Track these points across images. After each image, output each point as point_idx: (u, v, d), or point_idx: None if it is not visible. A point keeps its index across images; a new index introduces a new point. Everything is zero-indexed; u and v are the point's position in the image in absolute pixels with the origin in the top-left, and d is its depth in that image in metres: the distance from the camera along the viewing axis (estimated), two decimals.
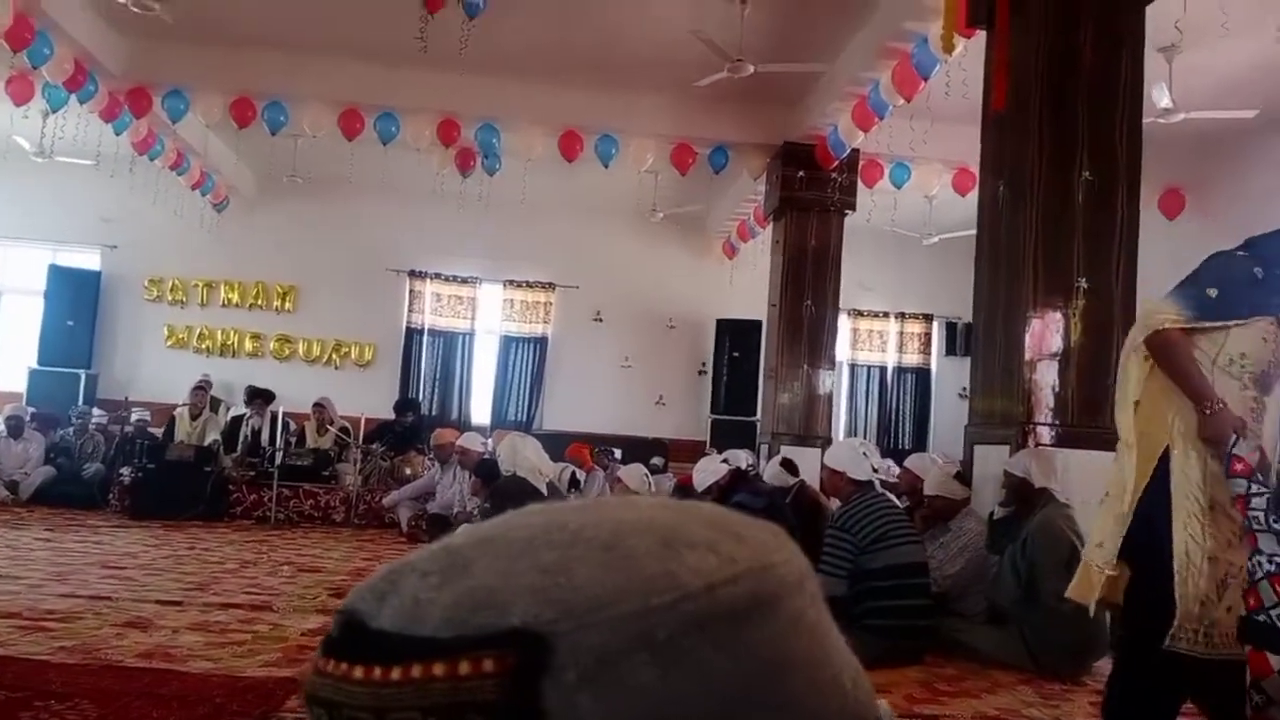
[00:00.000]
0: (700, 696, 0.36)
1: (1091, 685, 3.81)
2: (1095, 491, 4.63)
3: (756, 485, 5.89)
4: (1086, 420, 4.70)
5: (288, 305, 12.23)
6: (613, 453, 9.35)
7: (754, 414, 11.27)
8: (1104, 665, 4.09)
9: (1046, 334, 4.72)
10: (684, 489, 6.48)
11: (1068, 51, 4.79)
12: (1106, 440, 4.70)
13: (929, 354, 13.12)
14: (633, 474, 5.94)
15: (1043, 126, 4.76)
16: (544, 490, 4.56)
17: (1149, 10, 4.97)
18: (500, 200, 10.60)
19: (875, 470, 4.26)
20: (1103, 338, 4.73)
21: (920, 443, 12.57)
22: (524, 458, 4.51)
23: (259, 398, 9.33)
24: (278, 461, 8.40)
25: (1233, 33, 5.95)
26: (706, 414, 12.23)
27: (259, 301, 12.18)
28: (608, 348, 12.51)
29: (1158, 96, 7.07)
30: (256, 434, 9.10)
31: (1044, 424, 4.69)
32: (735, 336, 11.99)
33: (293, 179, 10.58)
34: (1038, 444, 4.61)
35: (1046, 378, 4.72)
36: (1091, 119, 4.77)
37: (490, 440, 8.25)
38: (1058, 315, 4.72)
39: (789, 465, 6.14)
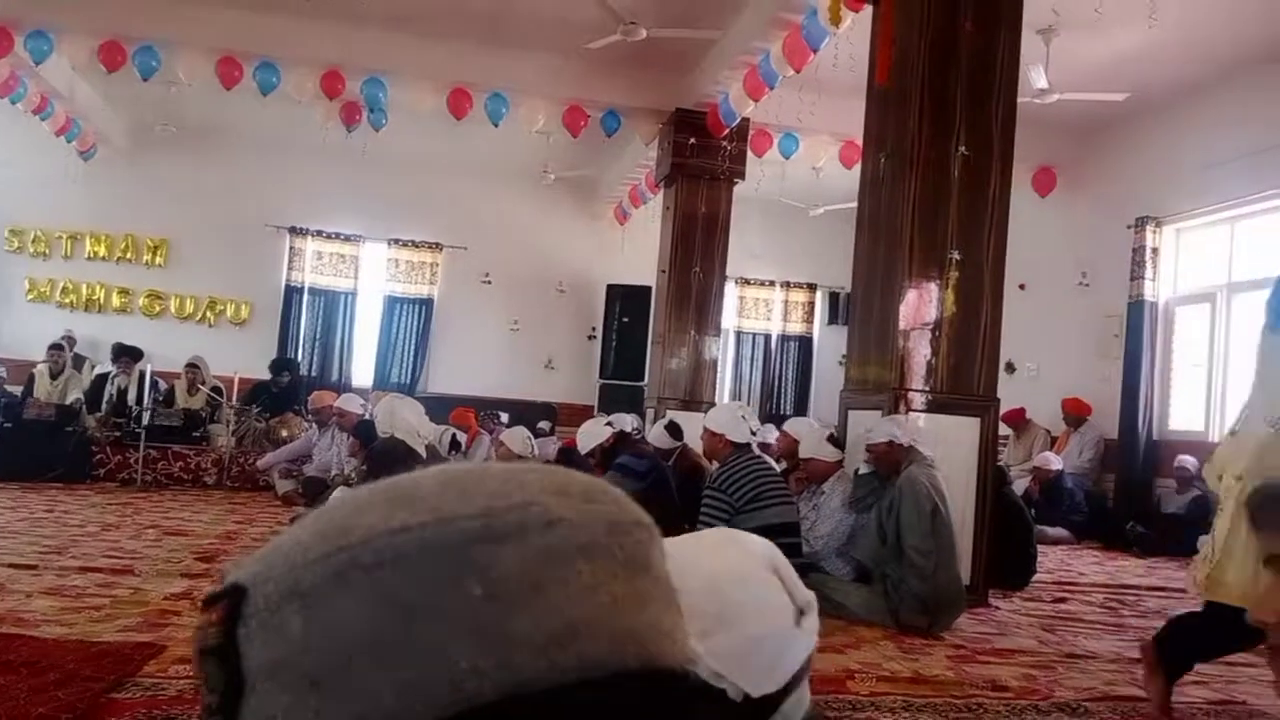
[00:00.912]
0: (330, 644, 0.38)
1: (950, 640, 3.98)
2: (962, 454, 4.85)
3: (640, 448, 5.95)
4: (955, 387, 4.88)
5: (159, 260, 11.69)
6: (499, 416, 9.29)
7: (643, 379, 11.33)
8: (963, 621, 4.29)
9: (920, 304, 4.87)
10: (568, 452, 6.50)
11: (949, 29, 4.90)
12: (972, 407, 4.92)
13: (812, 323, 13.40)
14: (515, 437, 5.92)
15: (923, 102, 4.87)
16: (422, 453, 4.49)
17: None
18: (386, 157, 10.33)
19: (753, 433, 4.34)
20: (972, 308, 4.91)
21: (802, 408, 12.87)
22: (402, 419, 4.44)
23: (126, 355, 8.93)
24: (145, 422, 8.07)
25: (1106, 19, 6.18)
26: (596, 378, 12.24)
27: (128, 255, 11.61)
28: (496, 310, 12.37)
29: (1035, 77, 7.32)
30: (123, 393, 8.72)
31: (915, 390, 4.84)
32: (626, 302, 12.01)
33: (166, 128, 10.10)
34: (908, 410, 4.77)
35: (919, 346, 4.87)
36: (969, 96, 4.90)
37: (370, 402, 8.10)
38: (931, 286, 4.87)
39: (673, 429, 6.21)
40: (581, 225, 12.71)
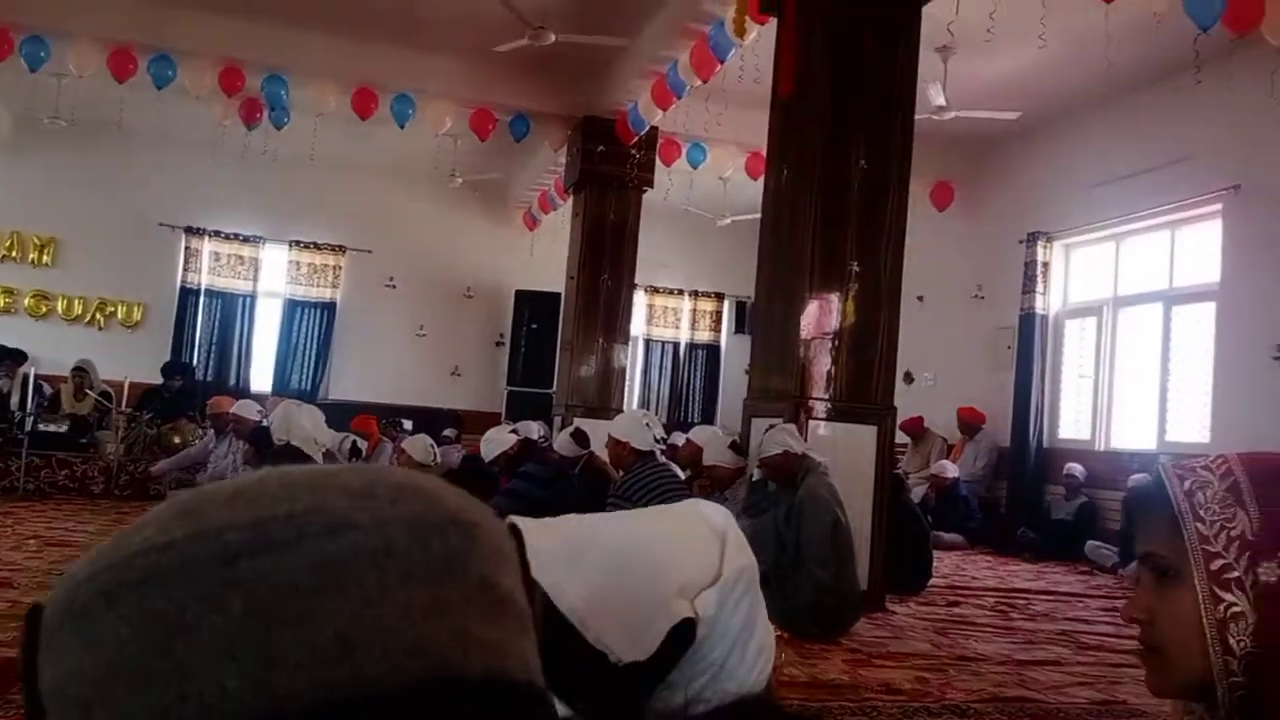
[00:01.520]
0: (97, 666, 0.37)
1: (847, 644, 4.05)
2: (860, 462, 4.94)
3: (546, 455, 5.92)
4: (854, 396, 4.98)
5: (45, 259, 11.16)
6: (402, 424, 9.14)
7: (551, 386, 11.28)
8: (860, 626, 4.37)
9: (821, 315, 4.95)
10: (472, 459, 6.43)
11: (850, 46, 5.01)
12: (870, 415, 5.02)
13: (720, 331, 13.53)
14: (416, 445, 5.82)
15: (825, 115, 4.97)
16: (319, 460, 4.39)
17: (926, 11, 5.28)
18: (288, 156, 10.07)
19: (658, 441, 4.36)
20: (871, 319, 5.02)
21: (709, 416, 12.98)
22: (299, 426, 4.33)
23: (8, 358, 8.54)
24: (28, 428, 7.70)
25: (1000, 39, 6.39)
26: (503, 385, 12.14)
27: (13, 253, 11.05)
28: (401, 315, 12.16)
29: (933, 94, 7.53)
30: (5, 397, 8.32)
31: (815, 399, 4.92)
32: (535, 308, 11.95)
33: (55, 121, 9.64)
34: (809, 418, 4.85)
35: (819, 356, 4.95)
36: (870, 111, 5.02)
37: (267, 408, 7.87)
38: (832, 297, 4.96)
39: (579, 436, 6.19)
40: (490, 230, 12.59)
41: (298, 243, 11.93)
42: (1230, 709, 0.95)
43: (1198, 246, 8.02)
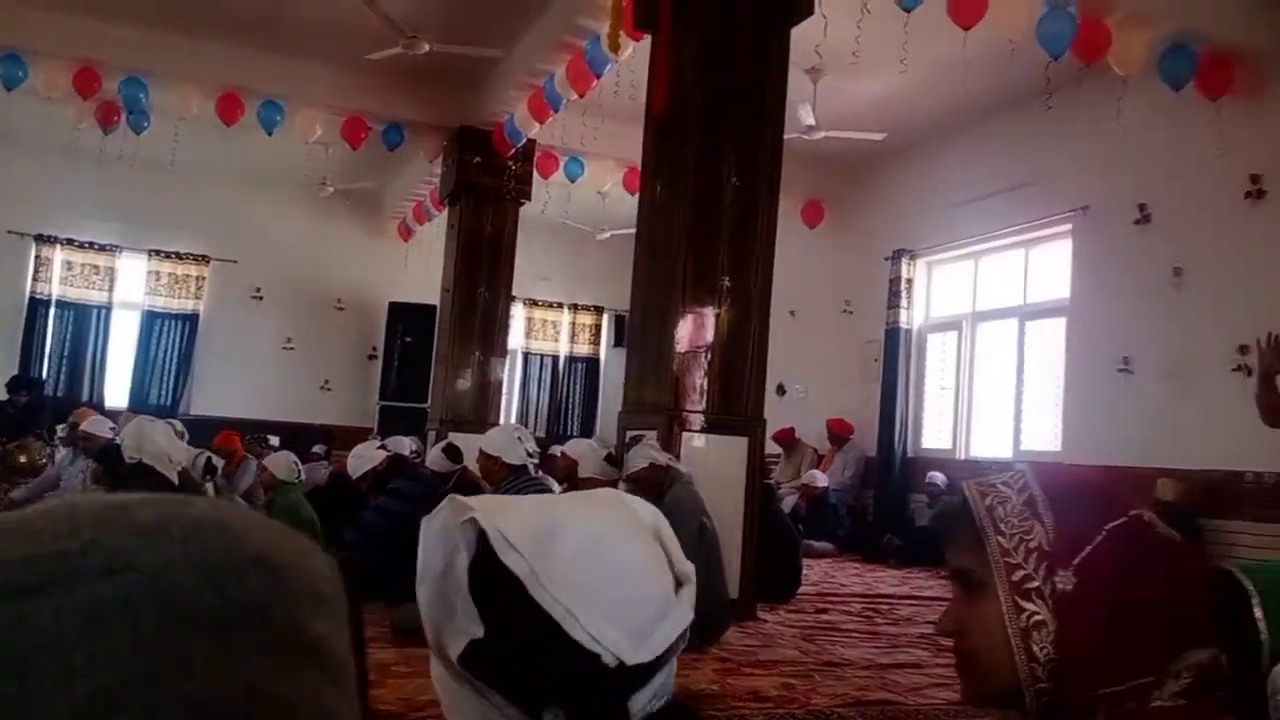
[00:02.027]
0: None
1: (717, 653, 4.10)
2: (732, 472, 5.02)
3: (417, 471, 5.79)
4: (725, 408, 5.06)
5: None
6: (269, 439, 8.82)
7: (426, 400, 11.09)
8: (731, 634, 4.43)
9: (693, 329, 5.02)
10: (339, 476, 6.26)
11: (722, 64, 5.11)
12: (741, 427, 5.11)
13: (599, 345, 13.57)
14: (279, 462, 5.63)
15: (697, 132, 5.04)
16: (174, 479, 4.20)
17: (795, 33, 5.42)
18: (148, 162, 9.61)
19: (530, 455, 4.33)
20: (742, 333, 5.11)
21: (589, 429, 12.96)
22: (152, 443, 4.14)
23: None
24: None
25: (865, 64, 6.61)
26: (376, 400, 11.87)
27: None
28: (268, 328, 11.75)
29: (803, 115, 7.74)
30: None
31: (688, 411, 4.98)
32: (409, 321, 11.72)
33: None
34: (682, 430, 4.90)
35: (692, 369, 5.01)
36: (741, 129, 5.12)
37: (120, 424, 7.48)
38: (704, 311, 5.03)
39: (451, 451, 6.08)
40: (363, 241, 12.32)
41: (158, 252, 11.41)
42: (1037, 714, 1.00)
43: (1050, 264, 8.46)
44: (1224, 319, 6.49)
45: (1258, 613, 1.76)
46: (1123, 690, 0.95)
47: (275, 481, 5.53)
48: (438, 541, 0.84)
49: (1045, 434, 8.31)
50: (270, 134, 8.43)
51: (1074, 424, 7.80)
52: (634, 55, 6.27)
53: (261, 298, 11.76)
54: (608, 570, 0.82)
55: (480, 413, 9.11)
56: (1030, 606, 0.98)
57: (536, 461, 4.68)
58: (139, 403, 10.89)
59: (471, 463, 5.90)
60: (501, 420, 9.61)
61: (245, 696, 0.35)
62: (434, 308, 10.37)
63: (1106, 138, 7.06)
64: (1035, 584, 0.98)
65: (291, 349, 11.86)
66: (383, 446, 5.63)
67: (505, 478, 4.17)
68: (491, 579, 0.80)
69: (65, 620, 0.33)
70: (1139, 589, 0.97)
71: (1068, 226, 8.05)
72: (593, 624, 0.78)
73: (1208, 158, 6.54)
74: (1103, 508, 1.02)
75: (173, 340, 11.43)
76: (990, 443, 8.94)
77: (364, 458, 5.35)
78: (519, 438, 4.22)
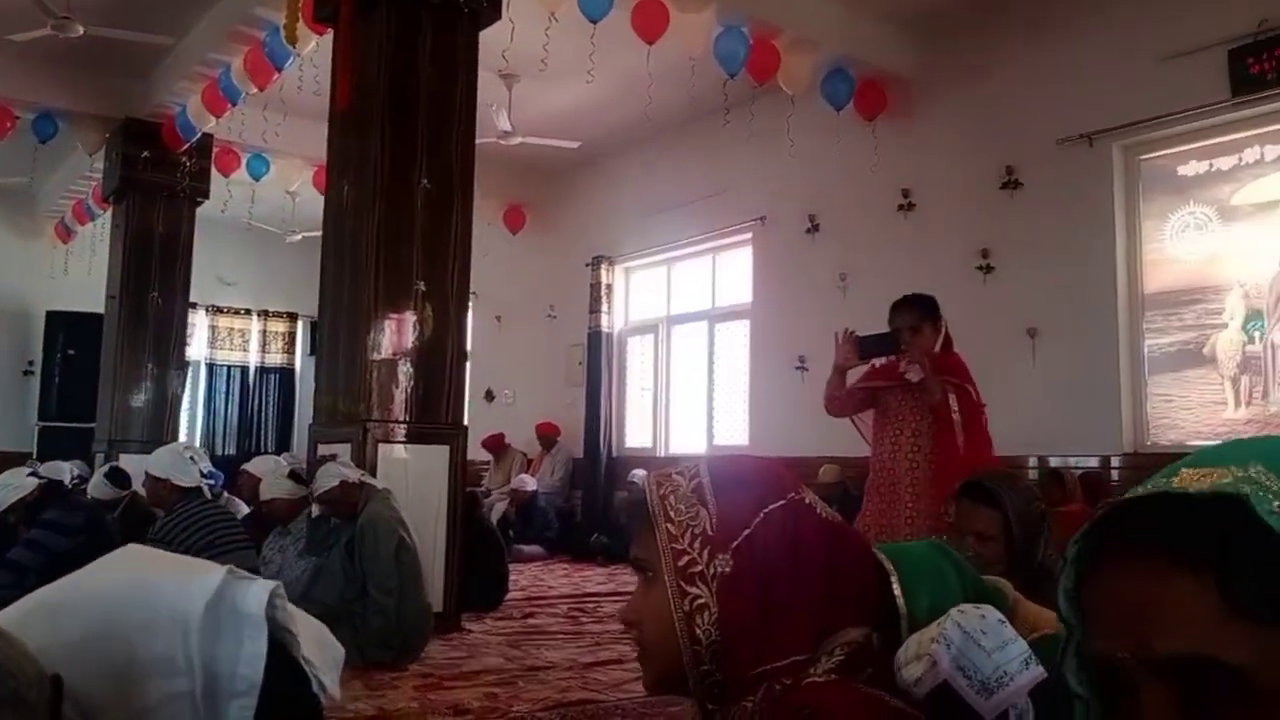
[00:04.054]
0: None
1: (419, 669, 3.97)
2: (433, 482, 4.89)
3: (77, 500, 5.18)
4: (424, 417, 4.93)
5: None
6: None
7: (94, 420, 9.99)
8: (434, 648, 4.31)
9: (389, 334, 4.85)
10: None
11: (408, 62, 4.97)
12: (442, 436, 5.00)
13: (294, 353, 12.89)
14: None
15: (385, 132, 4.88)
16: None
17: (485, 37, 5.37)
18: None
19: (205, 476, 3.99)
20: (440, 339, 5.00)
21: (285, 444, 12.29)
22: None
23: None
24: None
25: (556, 72, 6.69)
26: (34, 420, 10.58)
27: None
28: None
29: (500, 119, 7.73)
30: None
31: (384, 421, 4.81)
32: (71, 331, 10.56)
33: None
34: (379, 440, 4.72)
35: (388, 377, 4.84)
36: (430, 130, 5.01)
37: None
38: (399, 316, 4.88)
39: (116, 476, 5.52)
40: (13, 242, 10.95)
41: None
42: (702, 696, 1.01)
43: (735, 271, 9.00)
44: (880, 321, 7.15)
45: (896, 589, 1.93)
46: (781, 667, 0.98)
47: None
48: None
49: (735, 429, 8.83)
50: None
51: (759, 419, 8.35)
52: (316, 49, 5.98)
53: None
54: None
55: (157, 431, 8.34)
56: (694, 590, 0.99)
57: (214, 483, 4.33)
58: None
59: (141, 487, 5.38)
60: (182, 438, 8.86)
61: None
62: (100, 317, 9.37)
63: (780, 152, 7.59)
64: (699, 568, 1.00)
65: None
66: (34, 473, 4.98)
67: (177, 501, 3.81)
68: None
69: None
70: (793, 570, 1.01)
71: (748, 235, 8.61)
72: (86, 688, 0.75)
73: (866, 173, 7.21)
74: (763, 492, 1.05)
75: None
76: (688, 439, 9.37)
77: (11, 487, 4.69)
78: (190, 457, 3.87)
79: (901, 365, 3.91)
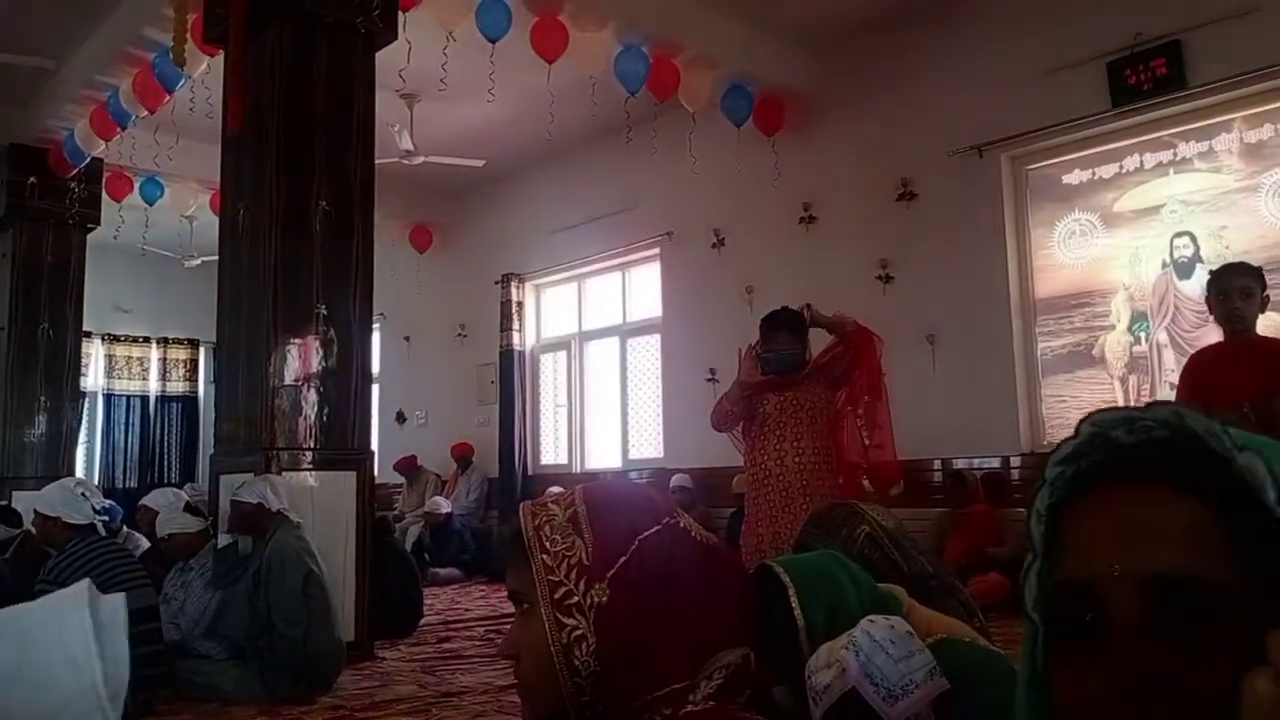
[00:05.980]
0: None
1: (329, 701, 3.89)
2: (341, 509, 4.81)
3: None
4: (329, 442, 4.84)
5: None
6: None
7: None
8: (345, 679, 4.23)
9: (290, 359, 4.76)
10: None
11: (302, 83, 4.89)
12: (348, 461, 4.91)
13: (196, 381, 12.52)
14: None
15: (280, 154, 4.79)
16: None
17: (382, 57, 5.32)
18: None
19: (98, 512, 3.85)
20: (344, 362, 4.92)
21: (190, 474, 11.94)
22: None
23: None
24: None
25: (456, 92, 6.65)
26: None
27: None
28: None
29: (401, 139, 7.65)
30: None
31: (288, 448, 4.70)
32: None
33: None
34: (281, 469, 4.61)
35: (290, 402, 4.74)
36: (328, 151, 4.93)
37: None
38: (300, 340, 4.79)
39: (7, 515, 5.31)
40: None
41: None
42: None
43: (644, 286, 9.05)
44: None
45: (794, 601, 1.97)
46: (660, 696, 0.98)
47: None
48: None
49: (650, 443, 8.86)
50: None
51: (673, 432, 8.39)
52: (208, 70, 5.85)
53: None
54: None
55: (52, 467, 8.01)
56: (570, 622, 0.99)
57: (110, 519, 4.18)
58: None
59: (31, 526, 5.16)
60: (80, 472, 8.53)
61: None
62: None
63: (683, 169, 7.65)
64: (575, 599, 1.00)
65: None
66: None
67: (69, 540, 3.67)
68: None
69: None
70: (667, 597, 1.01)
71: (656, 250, 8.67)
72: None
73: (768, 188, 7.34)
74: (637, 518, 1.05)
75: None
76: (603, 455, 9.36)
77: None
78: (82, 493, 3.73)
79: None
